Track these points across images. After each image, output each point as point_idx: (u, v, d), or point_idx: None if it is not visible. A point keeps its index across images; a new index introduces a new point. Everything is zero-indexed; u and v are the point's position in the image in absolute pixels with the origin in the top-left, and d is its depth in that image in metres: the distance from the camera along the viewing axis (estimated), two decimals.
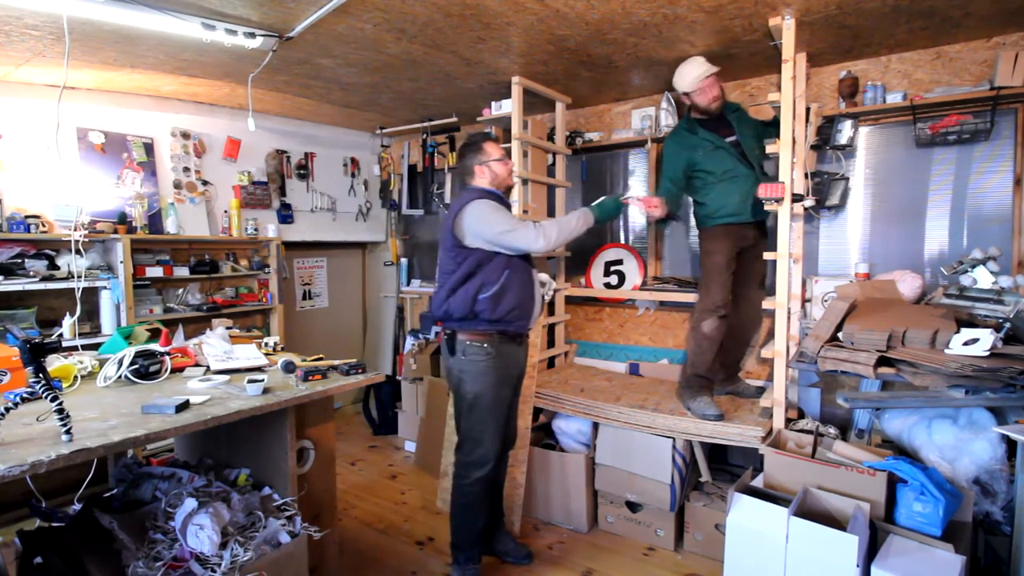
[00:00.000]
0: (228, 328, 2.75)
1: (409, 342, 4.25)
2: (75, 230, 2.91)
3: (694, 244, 3.42)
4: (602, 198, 2.39)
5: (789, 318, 2.44)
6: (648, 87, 3.29)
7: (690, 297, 3.01)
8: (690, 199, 2.85)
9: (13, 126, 2.95)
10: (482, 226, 2.13)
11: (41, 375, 1.48)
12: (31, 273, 2.81)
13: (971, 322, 2.19)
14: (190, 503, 1.72)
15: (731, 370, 2.90)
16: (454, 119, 4.01)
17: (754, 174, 2.60)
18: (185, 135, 3.60)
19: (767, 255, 2.45)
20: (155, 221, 3.40)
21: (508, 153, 3.07)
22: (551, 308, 3.52)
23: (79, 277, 2.89)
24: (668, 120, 3.28)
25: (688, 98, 2.66)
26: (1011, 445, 1.93)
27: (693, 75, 2.58)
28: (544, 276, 2.49)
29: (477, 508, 2.28)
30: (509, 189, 2.41)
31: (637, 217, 3.62)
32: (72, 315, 2.79)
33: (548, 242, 2.13)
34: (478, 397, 2.18)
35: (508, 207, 2.35)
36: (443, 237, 2.22)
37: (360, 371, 2.20)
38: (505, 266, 2.17)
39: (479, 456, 2.23)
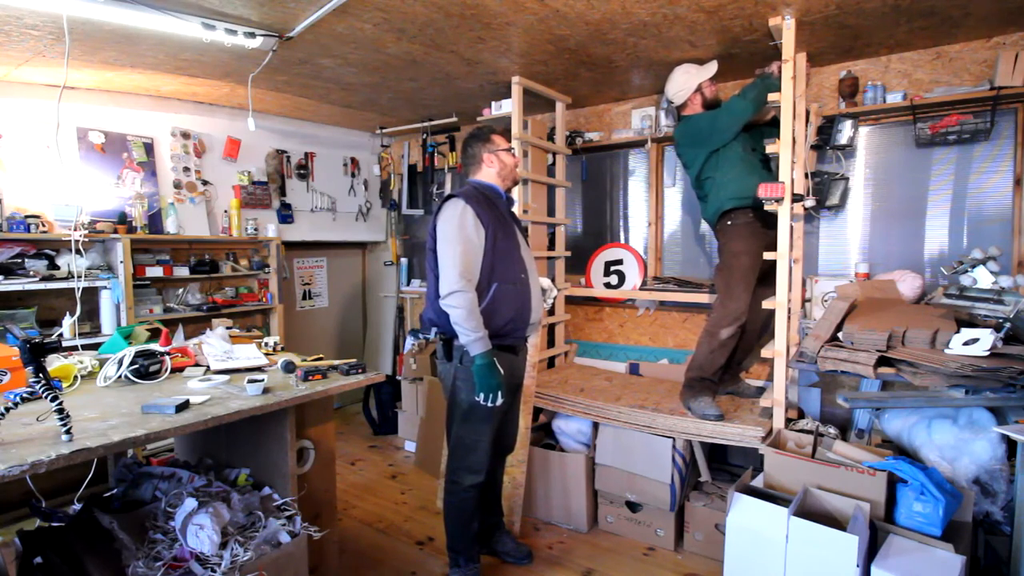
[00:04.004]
0: (228, 328, 2.75)
1: (409, 342, 4.25)
2: (75, 230, 2.91)
3: (695, 243, 3.43)
4: (490, 377, 2.03)
5: (789, 318, 2.44)
6: (648, 87, 3.29)
7: (690, 297, 3.01)
8: (682, 193, 2.88)
9: (13, 126, 2.95)
10: (441, 235, 2.07)
11: (41, 375, 1.49)
12: (31, 273, 2.81)
13: (971, 322, 2.19)
14: (190, 503, 1.72)
15: (732, 370, 2.89)
16: (454, 119, 4.01)
17: (761, 165, 2.64)
18: (185, 135, 3.60)
19: (767, 255, 2.44)
20: (155, 221, 3.40)
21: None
22: (551, 308, 3.52)
23: (79, 277, 2.89)
24: (668, 120, 3.28)
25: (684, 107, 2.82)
26: (1011, 445, 1.93)
27: (672, 91, 2.79)
28: (546, 282, 2.45)
29: (472, 513, 2.25)
30: (515, 183, 2.35)
31: (637, 217, 3.63)
32: (72, 315, 2.79)
33: (451, 308, 2.01)
34: (474, 405, 2.11)
35: (510, 203, 2.30)
36: (428, 236, 2.16)
37: (360, 371, 2.20)
38: (490, 279, 2.09)
39: (473, 463, 2.19)
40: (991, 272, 2.34)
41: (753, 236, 2.57)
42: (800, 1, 2.16)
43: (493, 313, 2.09)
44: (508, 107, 3.13)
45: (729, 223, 2.63)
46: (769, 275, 2.58)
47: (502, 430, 2.33)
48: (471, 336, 2.01)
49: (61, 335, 2.66)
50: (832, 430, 2.43)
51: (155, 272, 3.31)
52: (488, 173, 2.25)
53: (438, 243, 2.08)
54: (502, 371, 2.06)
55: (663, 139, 3.39)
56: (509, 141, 2.32)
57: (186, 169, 3.61)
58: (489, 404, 2.05)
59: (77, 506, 1.97)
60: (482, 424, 2.16)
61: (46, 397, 1.45)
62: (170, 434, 1.59)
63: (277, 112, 3.95)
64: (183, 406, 1.70)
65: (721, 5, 2.18)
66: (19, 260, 2.82)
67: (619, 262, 3.53)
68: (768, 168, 2.72)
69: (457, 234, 2.03)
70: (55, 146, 2.84)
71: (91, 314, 3.08)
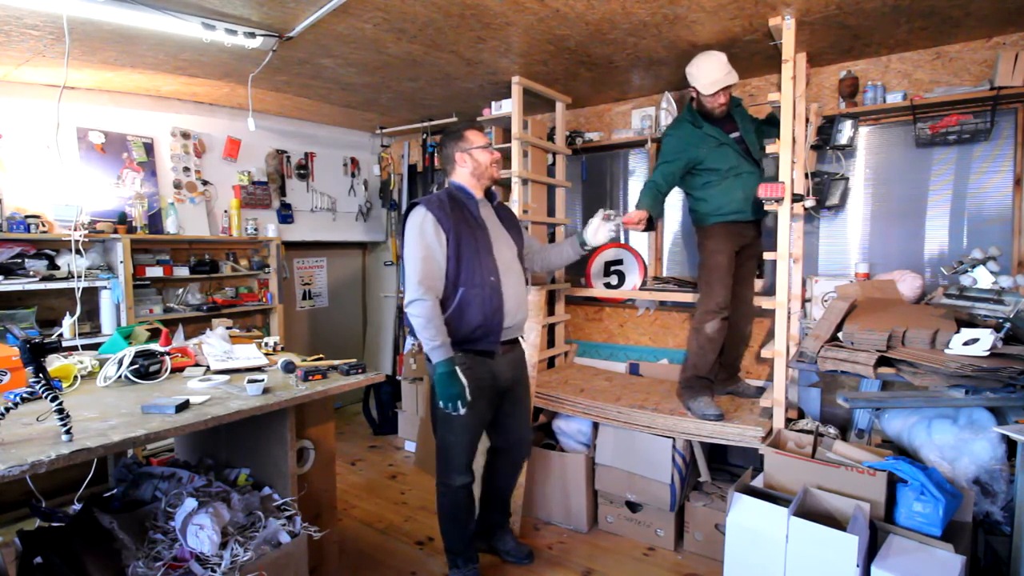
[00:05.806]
0: (228, 328, 2.75)
1: (409, 342, 4.25)
2: (75, 230, 2.91)
3: (695, 243, 3.41)
4: (449, 386, 2.00)
5: (789, 318, 2.44)
6: (648, 87, 3.29)
7: (690, 297, 3.01)
8: (683, 194, 2.85)
9: (13, 126, 2.95)
10: (405, 244, 2.08)
11: (41, 375, 1.49)
12: (31, 273, 2.81)
13: (971, 322, 2.19)
14: (190, 503, 1.72)
15: (731, 369, 2.90)
16: (454, 119, 4.01)
17: (757, 171, 2.60)
18: (185, 135, 3.60)
19: (767, 255, 2.44)
20: (155, 221, 3.40)
21: (507, 151, 3.08)
22: (551, 308, 3.52)
23: (79, 277, 2.89)
24: (668, 120, 3.27)
25: (697, 94, 2.56)
26: (1011, 445, 1.93)
27: (710, 79, 2.46)
28: (602, 214, 2.38)
29: (466, 513, 2.26)
30: (494, 181, 2.25)
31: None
32: (72, 315, 2.79)
33: (412, 317, 2.01)
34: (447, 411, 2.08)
35: (491, 198, 2.25)
36: (399, 245, 2.19)
37: (360, 371, 2.20)
38: (455, 283, 2.05)
39: (458, 464, 2.20)
40: (991, 272, 2.34)
41: (727, 235, 2.60)
42: (800, 1, 2.16)
43: (460, 318, 2.07)
44: (508, 107, 3.13)
45: (705, 227, 2.69)
46: (743, 272, 2.69)
47: (503, 433, 2.33)
48: (429, 344, 2.00)
49: (61, 335, 2.66)
50: (832, 430, 2.43)
51: (155, 272, 3.31)
52: (461, 173, 2.19)
53: (404, 252, 2.10)
54: (464, 380, 2.01)
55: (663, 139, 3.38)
56: (486, 136, 2.24)
57: (186, 169, 3.61)
58: (452, 412, 2.03)
59: (77, 506, 1.97)
60: (458, 428, 2.15)
61: (46, 397, 1.45)
62: (170, 434, 1.58)
63: (277, 112, 3.95)
64: (183, 406, 1.70)
65: (721, 5, 2.18)
66: (19, 260, 2.82)
67: (619, 262, 3.53)
68: (756, 178, 2.59)
69: (418, 242, 2.03)
70: (55, 146, 2.84)
71: (91, 314, 3.07)
